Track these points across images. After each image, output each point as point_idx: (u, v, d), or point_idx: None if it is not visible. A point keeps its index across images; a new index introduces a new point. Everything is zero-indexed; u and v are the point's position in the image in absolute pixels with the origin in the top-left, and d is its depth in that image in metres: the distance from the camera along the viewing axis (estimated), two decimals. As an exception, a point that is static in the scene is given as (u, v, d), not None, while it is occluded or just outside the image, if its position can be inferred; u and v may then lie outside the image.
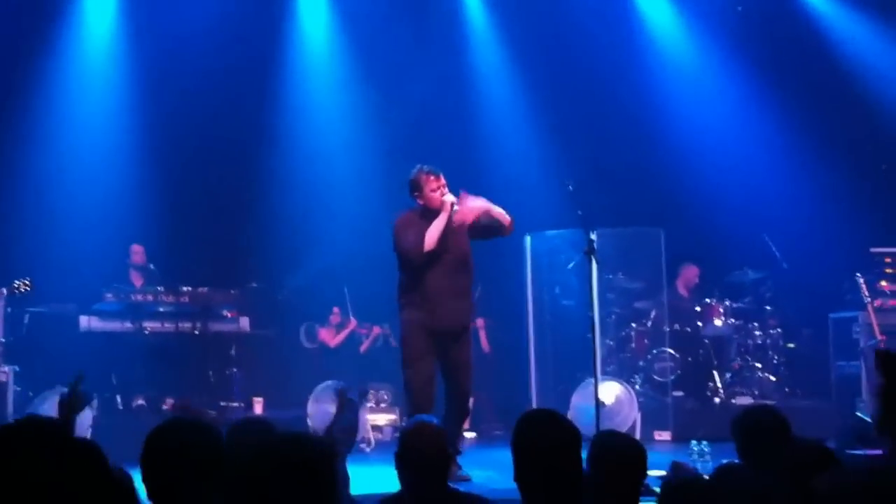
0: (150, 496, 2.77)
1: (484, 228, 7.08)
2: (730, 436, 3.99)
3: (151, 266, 10.20)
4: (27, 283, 8.72)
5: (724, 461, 3.58)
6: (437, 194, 6.92)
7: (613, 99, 11.32)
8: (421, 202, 7.00)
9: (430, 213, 6.94)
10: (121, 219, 10.51)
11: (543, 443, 3.20)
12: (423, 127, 11.15)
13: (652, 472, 3.60)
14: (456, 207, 6.87)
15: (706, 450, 6.83)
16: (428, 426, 3.70)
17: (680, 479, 3.29)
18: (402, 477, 3.63)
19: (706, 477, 3.36)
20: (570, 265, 9.80)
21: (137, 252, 10.27)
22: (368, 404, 9.61)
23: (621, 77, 11.39)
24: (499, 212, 7.04)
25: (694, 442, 6.90)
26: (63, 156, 10.69)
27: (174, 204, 10.92)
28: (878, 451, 4.16)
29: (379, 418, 9.29)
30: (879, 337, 9.24)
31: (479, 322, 10.86)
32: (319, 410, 9.12)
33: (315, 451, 2.26)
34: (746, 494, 3.10)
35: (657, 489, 4.15)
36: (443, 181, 6.98)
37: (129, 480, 2.90)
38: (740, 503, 3.08)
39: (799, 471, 3.07)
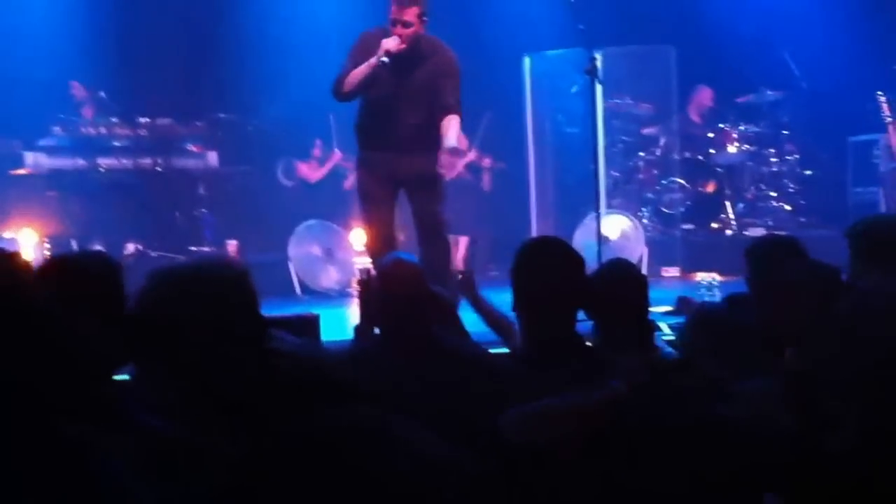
0: None
1: None
2: (740, 270, 3.96)
3: (102, 93, 9.57)
4: None
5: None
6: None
7: None
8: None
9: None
10: (69, 43, 9.80)
11: (546, 265, 3.12)
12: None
13: (658, 308, 3.48)
14: (386, 57, 5.94)
15: (715, 284, 6.87)
16: (405, 263, 3.48)
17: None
18: (379, 322, 3.47)
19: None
20: (574, 89, 9.32)
21: (77, 87, 9.63)
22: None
23: None
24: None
25: (702, 276, 6.96)
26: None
27: (127, 24, 10.14)
28: None
29: (366, 261, 8.74)
30: (899, 160, 9.11)
31: (486, 162, 10.13)
32: (301, 253, 8.93)
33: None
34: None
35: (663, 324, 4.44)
36: (405, 16, 6.00)
37: None
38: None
39: (812, 297, 3.00)
